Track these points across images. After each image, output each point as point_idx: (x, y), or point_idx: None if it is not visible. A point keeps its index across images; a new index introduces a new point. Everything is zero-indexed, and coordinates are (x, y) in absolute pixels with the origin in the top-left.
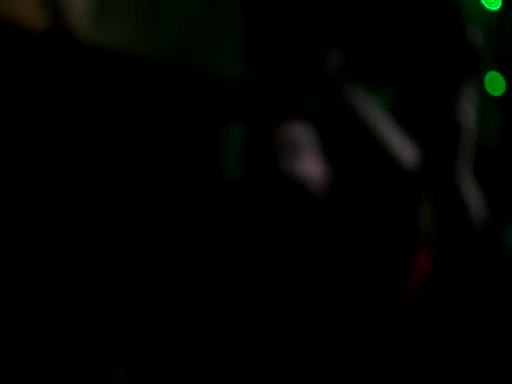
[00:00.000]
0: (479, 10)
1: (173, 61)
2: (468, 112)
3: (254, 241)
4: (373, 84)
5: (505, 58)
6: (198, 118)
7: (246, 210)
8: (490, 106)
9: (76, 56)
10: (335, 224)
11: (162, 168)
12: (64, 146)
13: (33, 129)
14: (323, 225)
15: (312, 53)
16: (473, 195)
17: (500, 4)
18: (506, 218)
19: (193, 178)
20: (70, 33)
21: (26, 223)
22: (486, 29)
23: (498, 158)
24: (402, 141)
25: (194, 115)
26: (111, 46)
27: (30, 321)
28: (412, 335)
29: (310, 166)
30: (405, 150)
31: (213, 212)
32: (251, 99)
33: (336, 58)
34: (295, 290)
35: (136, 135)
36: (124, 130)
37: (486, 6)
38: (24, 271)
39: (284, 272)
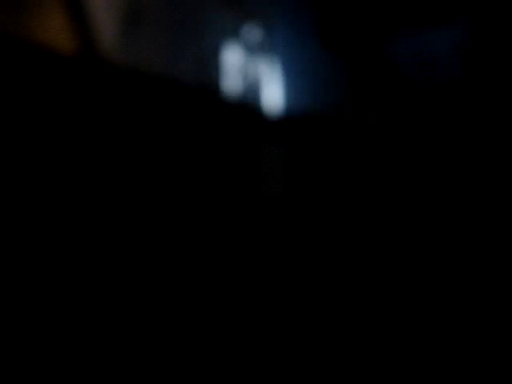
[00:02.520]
0: None
1: (200, 82)
2: None
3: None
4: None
5: None
6: (232, 140)
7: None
8: None
9: (105, 78)
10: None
11: (201, 189)
12: (90, 167)
13: (61, 149)
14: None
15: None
16: None
17: None
18: None
19: (234, 195)
20: (99, 55)
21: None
22: None
23: None
24: None
25: (228, 137)
26: (140, 67)
27: (30, 321)
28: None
29: None
30: None
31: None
32: (288, 123)
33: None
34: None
35: (169, 156)
36: (157, 151)
37: None
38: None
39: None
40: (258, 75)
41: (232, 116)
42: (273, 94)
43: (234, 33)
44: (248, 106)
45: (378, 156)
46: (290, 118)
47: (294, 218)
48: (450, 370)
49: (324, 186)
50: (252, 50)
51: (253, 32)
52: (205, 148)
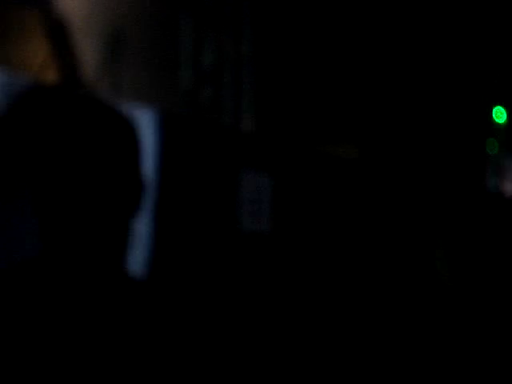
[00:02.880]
0: None
1: (185, 111)
2: None
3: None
4: None
5: None
6: (212, 168)
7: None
8: None
9: (87, 108)
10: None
11: (179, 217)
12: (73, 196)
13: (45, 180)
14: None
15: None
16: None
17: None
18: None
19: (212, 227)
20: (82, 85)
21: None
22: None
23: None
24: None
25: (208, 165)
26: (123, 96)
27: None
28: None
29: None
30: None
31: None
32: (267, 149)
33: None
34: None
35: (150, 186)
36: (137, 179)
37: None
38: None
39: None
40: (239, 100)
41: (214, 141)
42: (255, 119)
43: (214, 59)
44: (230, 130)
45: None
46: (275, 143)
47: (279, 253)
48: (449, 370)
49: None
50: (233, 77)
51: (234, 59)
52: (188, 175)
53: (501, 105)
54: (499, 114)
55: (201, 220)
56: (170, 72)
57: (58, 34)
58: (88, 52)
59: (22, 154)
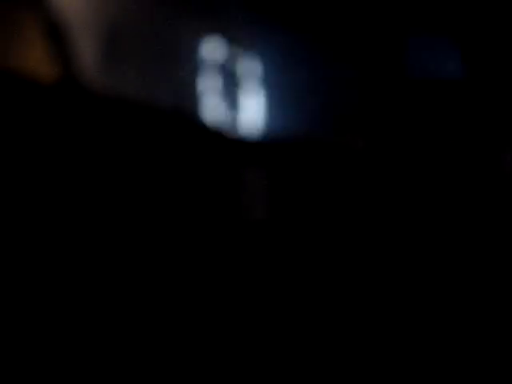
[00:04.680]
0: None
1: (181, 107)
2: None
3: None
4: None
5: None
6: (213, 165)
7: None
8: None
9: (86, 105)
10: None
11: (180, 214)
12: (72, 194)
13: (43, 178)
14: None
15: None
16: None
17: None
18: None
19: (214, 220)
20: (79, 82)
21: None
22: None
23: None
24: None
25: (209, 162)
26: (121, 94)
27: (30, 320)
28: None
29: None
30: None
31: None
32: (266, 145)
33: None
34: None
35: (148, 184)
36: (137, 179)
37: None
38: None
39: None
40: (237, 100)
41: (212, 141)
42: (252, 118)
43: (213, 58)
44: (227, 129)
45: (362, 179)
46: (271, 142)
47: (278, 242)
48: (449, 370)
49: (306, 208)
50: (232, 74)
51: (232, 57)
52: (185, 173)
53: None
54: None
55: (200, 213)
56: (167, 67)
57: (55, 32)
58: (85, 51)
59: (19, 151)
